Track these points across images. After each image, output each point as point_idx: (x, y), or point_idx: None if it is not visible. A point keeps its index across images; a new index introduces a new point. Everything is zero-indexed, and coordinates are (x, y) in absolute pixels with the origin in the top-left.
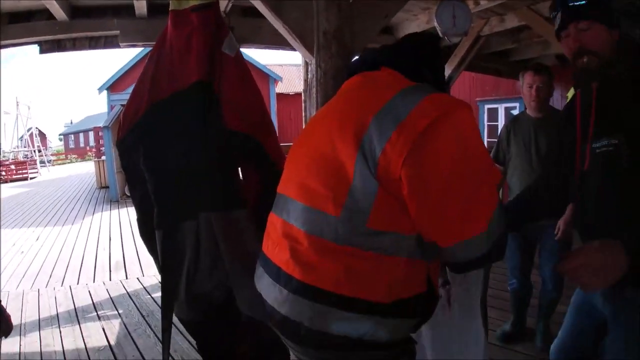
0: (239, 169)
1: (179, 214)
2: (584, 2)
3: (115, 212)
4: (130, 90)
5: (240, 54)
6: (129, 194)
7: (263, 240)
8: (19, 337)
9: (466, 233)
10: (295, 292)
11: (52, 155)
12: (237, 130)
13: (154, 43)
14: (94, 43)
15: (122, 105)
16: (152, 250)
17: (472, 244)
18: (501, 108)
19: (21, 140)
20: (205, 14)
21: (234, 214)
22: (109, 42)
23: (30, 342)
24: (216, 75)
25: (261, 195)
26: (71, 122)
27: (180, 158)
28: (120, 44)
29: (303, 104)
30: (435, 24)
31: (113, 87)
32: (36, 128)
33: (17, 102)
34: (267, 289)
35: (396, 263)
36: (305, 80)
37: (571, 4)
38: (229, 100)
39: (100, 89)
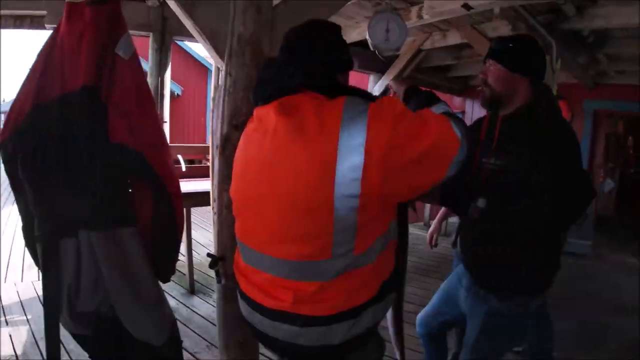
0: (127, 183)
1: (58, 230)
2: (496, 47)
3: None
4: None
5: (136, 58)
6: None
7: (239, 281)
8: None
9: (450, 159)
10: (307, 325)
11: None
12: (124, 145)
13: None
14: (19, 22)
15: None
16: (36, 261)
17: (455, 162)
18: None
19: None
20: (100, 9)
21: (118, 233)
22: (35, 23)
23: None
24: (105, 80)
25: (153, 215)
26: (4, 101)
27: (60, 170)
28: (46, 25)
29: (210, 114)
30: (367, 36)
31: None
32: None
33: None
34: (274, 329)
35: (384, 257)
36: (216, 88)
37: (493, 47)
38: (118, 111)
39: None
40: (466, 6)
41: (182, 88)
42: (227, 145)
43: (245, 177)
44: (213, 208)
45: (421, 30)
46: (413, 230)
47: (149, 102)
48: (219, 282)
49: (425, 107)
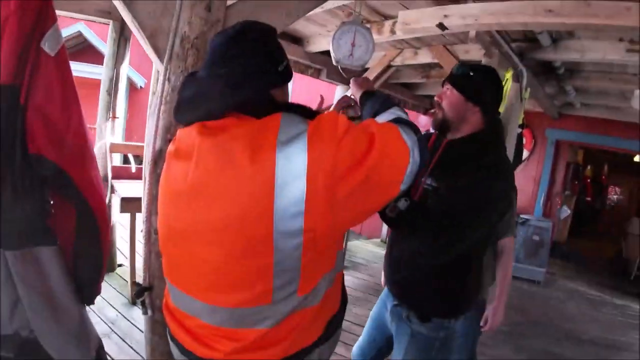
0: (48, 197)
1: None
2: (456, 73)
3: None
4: None
5: (64, 55)
6: None
7: (168, 321)
8: None
9: (403, 171)
10: None
11: None
12: (42, 156)
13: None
14: None
15: None
16: None
17: (409, 173)
18: None
19: None
20: None
21: (35, 252)
22: None
23: None
24: (26, 79)
25: (75, 234)
26: None
27: None
28: None
29: (147, 122)
30: (330, 48)
31: None
32: None
33: None
34: None
35: (331, 293)
36: (154, 93)
37: (454, 72)
38: (38, 115)
39: None
40: (441, 26)
41: (145, 80)
42: (159, 162)
43: (171, 209)
44: (142, 230)
45: (393, 45)
46: (369, 246)
47: (75, 106)
48: (144, 313)
49: (379, 111)
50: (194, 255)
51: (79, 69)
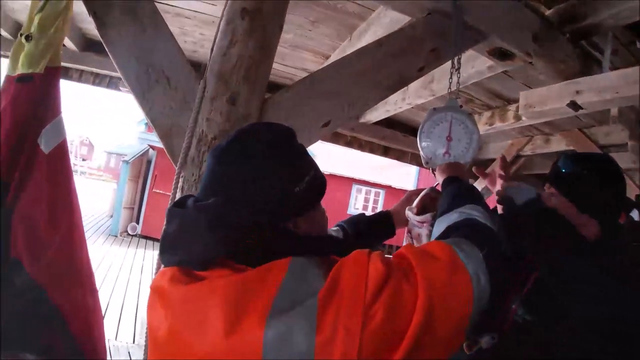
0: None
1: None
2: (562, 172)
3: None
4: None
5: (61, 152)
6: (130, 232)
7: None
8: None
9: (466, 312)
10: None
11: (88, 167)
12: (19, 262)
13: None
14: (98, 80)
15: (149, 145)
16: None
17: (474, 313)
18: None
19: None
20: (23, 87)
21: (20, 357)
22: (113, 84)
23: None
24: (17, 176)
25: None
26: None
27: None
28: (120, 88)
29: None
30: (418, 143)
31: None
32: (87, 138)
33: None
34: None
35: None
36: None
37: (559, 171)
38: (23, 217)
39: (139, 122)
40: (573, 105)
41: None
42: None
43: (154, 354)
44: None
45: (520, 133)
46: None
47: (66, 215)
48: None
49: (447, 210)
50: None
51: None
